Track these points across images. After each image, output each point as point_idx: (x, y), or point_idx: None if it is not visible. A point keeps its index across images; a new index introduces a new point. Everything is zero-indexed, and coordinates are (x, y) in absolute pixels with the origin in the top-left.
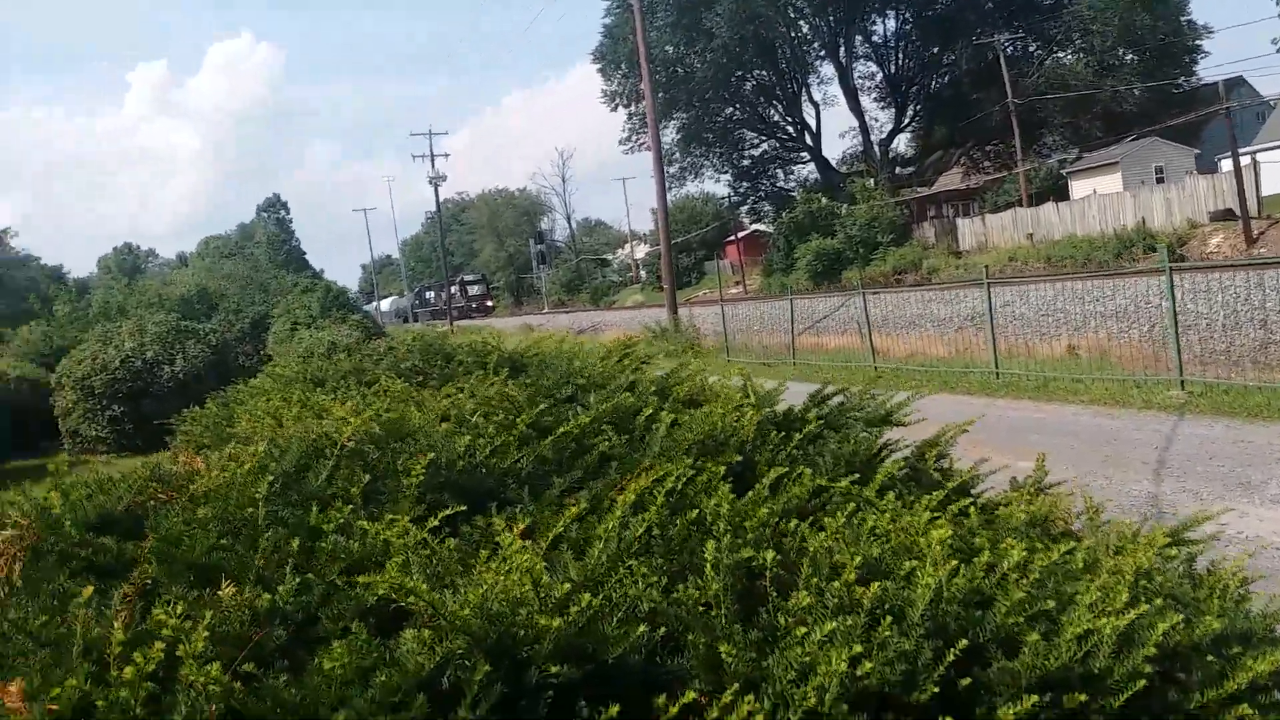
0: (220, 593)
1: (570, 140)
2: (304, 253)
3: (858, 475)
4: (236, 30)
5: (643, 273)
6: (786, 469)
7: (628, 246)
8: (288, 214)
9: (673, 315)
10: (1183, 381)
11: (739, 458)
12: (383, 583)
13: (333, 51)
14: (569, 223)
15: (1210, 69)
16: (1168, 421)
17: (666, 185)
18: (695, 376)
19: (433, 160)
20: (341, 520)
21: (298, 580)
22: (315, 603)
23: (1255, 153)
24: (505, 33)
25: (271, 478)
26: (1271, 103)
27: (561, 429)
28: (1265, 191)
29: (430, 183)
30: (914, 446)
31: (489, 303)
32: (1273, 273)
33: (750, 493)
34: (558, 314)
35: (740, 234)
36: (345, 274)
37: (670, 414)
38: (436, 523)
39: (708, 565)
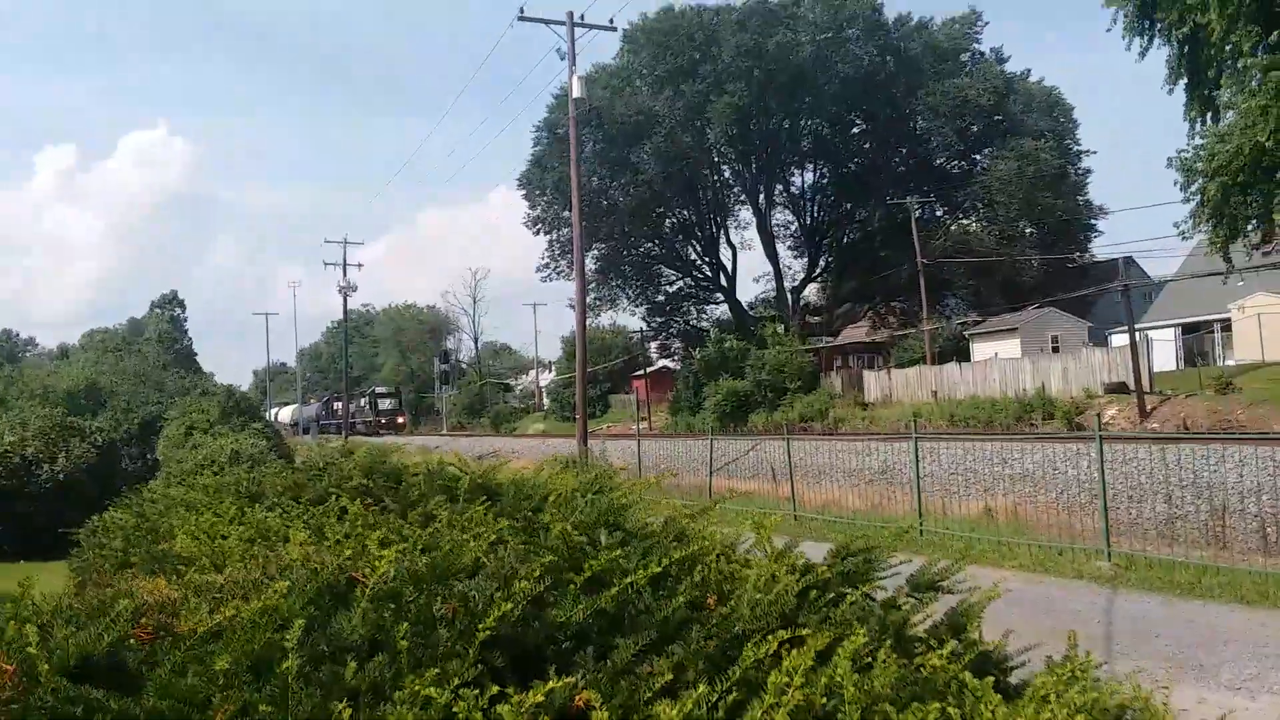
0: None
1: (483, 262)
2: (195, 353)
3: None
4: (153, 122)
5: (545, 401)
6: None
7: (532, 373)
8: (183, 312)
9: (583, 446)
10: (1109, 552)
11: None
12: None
13: (248, 153)
14: (475, 344)
15: (1104, 247)
16: (1101, 593)
17: (580, 319)
18: (708, 526)
19: (345, 269)
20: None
21: None
22: None
23: (1144, 330)
24: (428, 150)
25: (304, 621)
26: (1158, 282)
27: (626, 579)
28: (1155, 368)
29: (340, 291)
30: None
31: (400, 419)
32: (1186, 447)
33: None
34: (458, 437)
35: (648, 369)
36: (236, 377)
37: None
38: (496, 690)
39: None
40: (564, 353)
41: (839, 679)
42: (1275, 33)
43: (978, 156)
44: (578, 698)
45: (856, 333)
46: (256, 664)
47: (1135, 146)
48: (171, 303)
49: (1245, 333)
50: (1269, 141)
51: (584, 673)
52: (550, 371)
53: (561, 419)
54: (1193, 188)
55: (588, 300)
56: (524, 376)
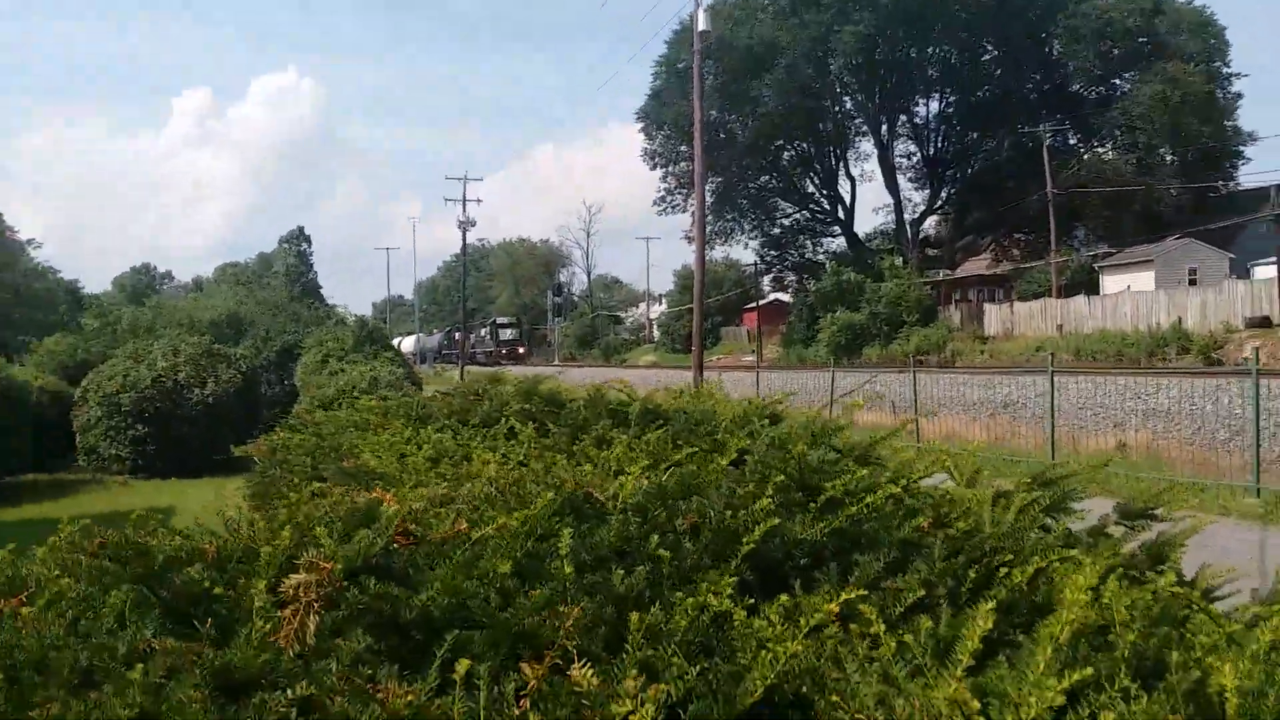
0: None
1: (596, 197)
2: (320, 286)
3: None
4: (283, 65)
5: (656, 333)
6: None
7: (642, 306)
8: (309, 247)
9: (699, 376)
10: (1259, 489)
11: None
12: None
13: (372, 94)
14: (588, 277)
15: (1251, 175)
16: (1253, 530)
17: (700, 247)
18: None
19: (464, 204)
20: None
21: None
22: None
23: None
24: (542, 86)
25: (570, 530)
26: None
27: (865, 499)
28: None
29: (459, 226)
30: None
31: (520, 349)
32: None
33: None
34: (569, 367)
35: (760, 302)
36: (356, 309)
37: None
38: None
39: None
40: (676, 286)
41: (1107, 600)
42: None
43: (1118, 81)
44: (826, 607)
45: (977, 266)
46: (520, 571)
47: None
48: (298, 238)
49: None
50: None
51: (829, 588)
52: (660, 304)
53: (671, 351)
54: None
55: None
56: (634, 309)
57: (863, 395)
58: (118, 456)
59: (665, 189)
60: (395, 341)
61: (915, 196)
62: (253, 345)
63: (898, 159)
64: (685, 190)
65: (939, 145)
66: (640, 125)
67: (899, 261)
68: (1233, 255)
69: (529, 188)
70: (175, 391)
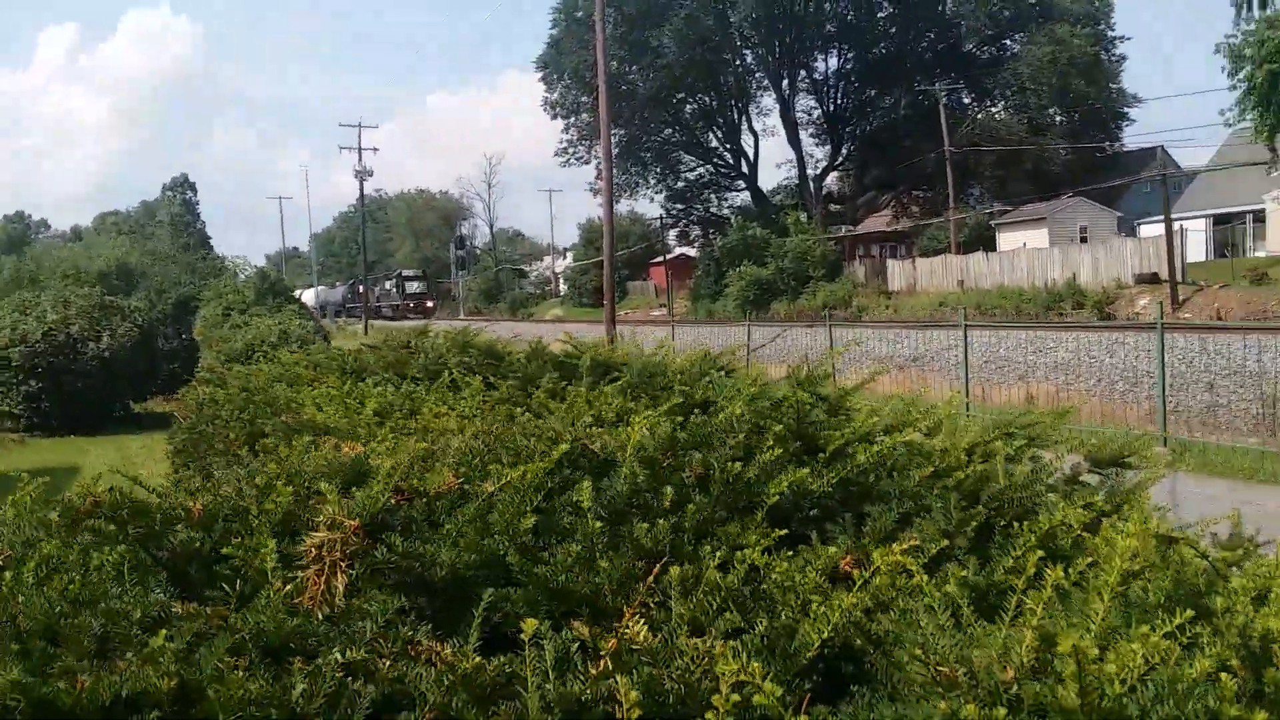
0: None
1: (494, 147)
2: (209, 237)
3: None
4: (154, 2)
5: (563, 286)
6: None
7: (546, 260)
8: (194, 195)
9: (612, 330)
10: (1165, 439)
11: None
12: None
13: (253, 34)
14: (491, 230)
15: (1135, 136)
16: (1167, 480)
17: (608, 199)
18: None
19: (360, 153)
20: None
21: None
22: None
23: (1175, 221)
24: (436, 31)
25: (589, 482)
26: (1191, 173)
27: (874, 447)
28: (1186, 259)
29: (355, 175)
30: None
31: (430, 303)
32: (1224, 337)
33: None
34: (476, 321)
35: (667, 256)
36: (251, 261)
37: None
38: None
39: None
40: (581, 239)
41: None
42: None
43: (1008, 42)
44: (843, 562)
45: (878, 222)
46: (536, 527)
47: (1169, 33)
48: (183, 186)
49: (1278, 223)
50: None
51: (844, 540)
52: (565, 258)
53: (578, 305)
54: (1240, 74)
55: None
56: (537, 263)
57: (769, 349)
58: (10, 413)
59: (567, 140)
60: (295, 294)
61: (817, 152)
62: (146, 298)
63: (799, 114)
64: (588, 141)
65: (838, 101)
66: (540, 75)
67: (803, 217)
68: (1120, 214)
69: (426, 138)
70: (68, 345)
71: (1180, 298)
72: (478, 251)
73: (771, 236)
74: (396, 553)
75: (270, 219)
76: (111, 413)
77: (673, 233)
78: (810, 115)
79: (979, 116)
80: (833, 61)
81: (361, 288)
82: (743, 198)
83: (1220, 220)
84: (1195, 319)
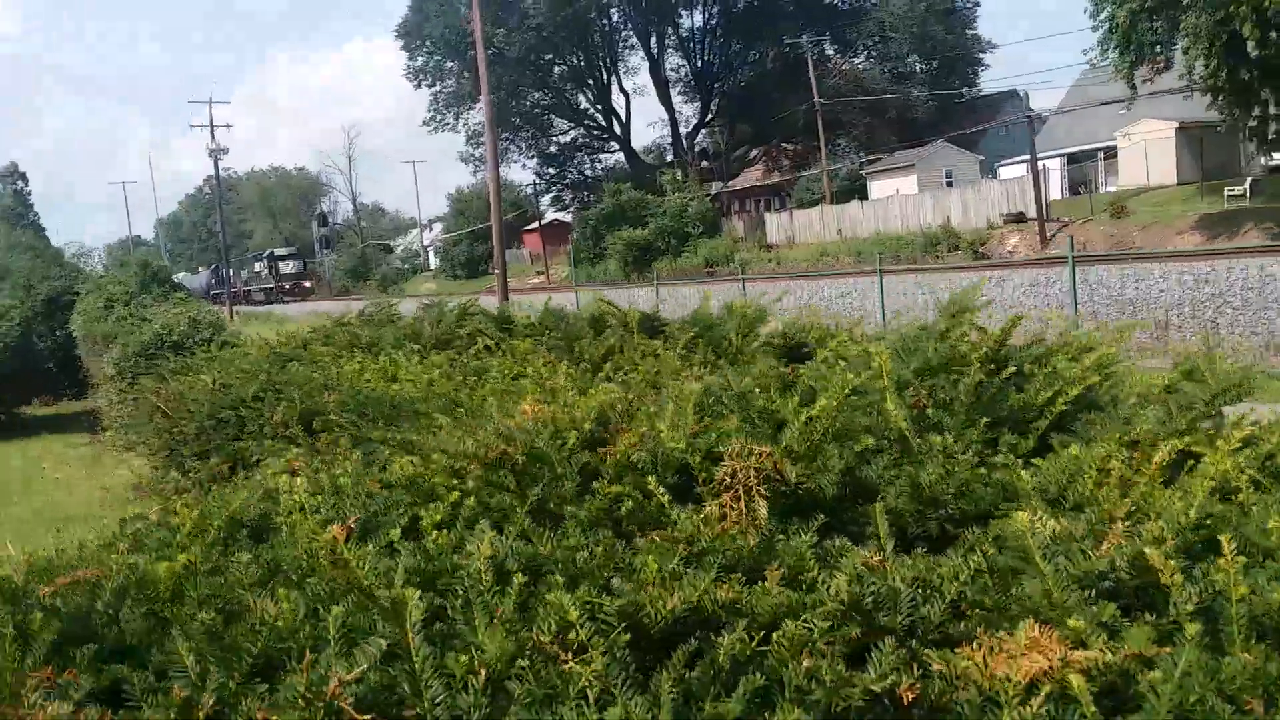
0: None
1: (342, 118)
2: (44, 228)
3: None
4: None
5: (433, 260)
6: None
7: (411, 233)
8: (25, 185)
9: (504, 303)
10: None
11: None
12: None
13: (76, 4)
14: (354, 205)
15: (991, 81)
16: None
17: (475, 168)
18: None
19: (213, 130)
20: None
21: None
22: None
23: (1036, 161)
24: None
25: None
26: (1050, 113)
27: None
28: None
29: (210, 155)
30: None
31: (307, 283)
32: (1101, 268)
33: None
34: (349, 301)
35: (541, 222)
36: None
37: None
38: None
39: None
40: (451, 209)
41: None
42: None
43: None
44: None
45: (752, 177)
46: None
47: None
48: (12, 175)
49: (1130, 159)
50: None
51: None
52: (432, 230)
53: (452, 277)
54: (1101, 15)
55: (477, 153)
56: (403, 237)
57: (674, 304)
58: None
59: (435, 108)
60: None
61: (686, 110)
62: (13, 294)
63: (669, 72)
64: (456, 108)
65: (705, 58)
66: (401, 42)
67: (679, 175)
68: (981, 156)
69: (274, 114)
70: None
71: (1047, 234)
72: (339, 229)
73: (648, 197)
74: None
75: (110, 207)
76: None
77: (546, 198)
78: (679, 73)
79: (844, 67)
80: (698, 17)
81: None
82: (616, 158)
83: (1074, 159)
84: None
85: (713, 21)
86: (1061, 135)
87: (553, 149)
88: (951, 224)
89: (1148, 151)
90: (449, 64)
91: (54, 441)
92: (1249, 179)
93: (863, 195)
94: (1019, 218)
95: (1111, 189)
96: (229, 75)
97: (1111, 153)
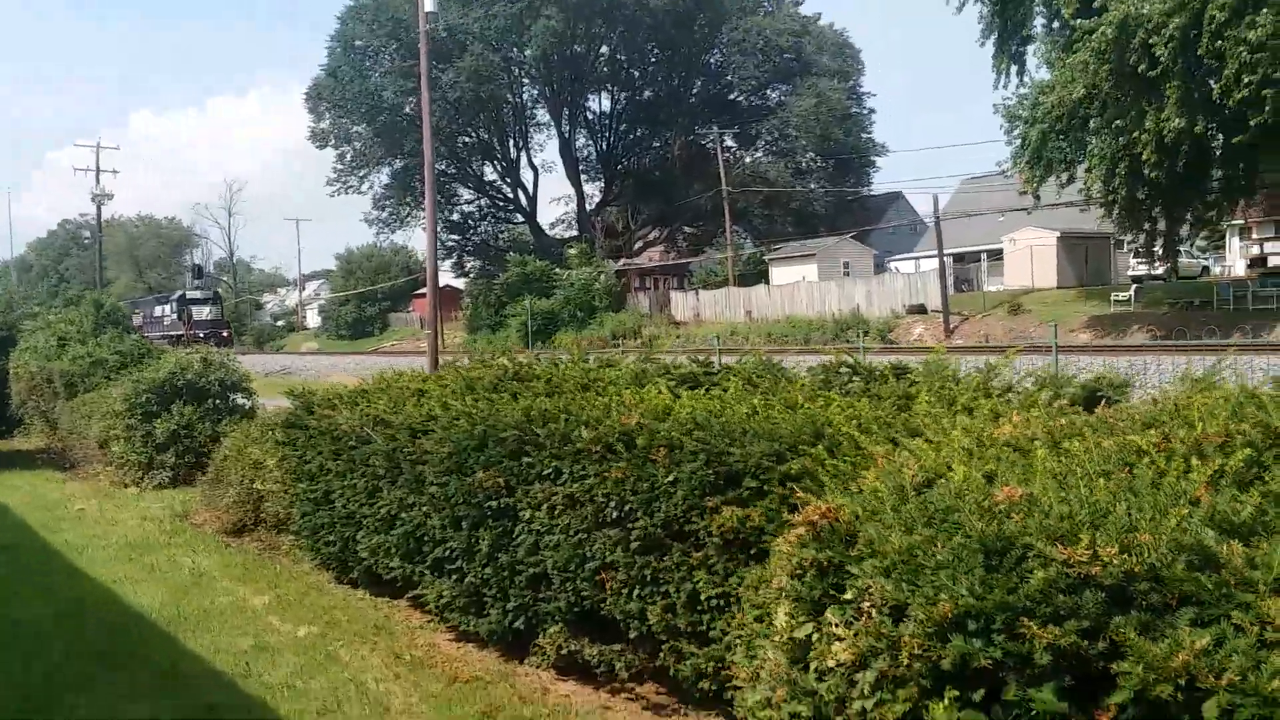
0: None
1: (209, 172)
2: None
3: None
4: None
5: (312, 318)
6: None
7: (281, 291)
8: None
9: (435, 364)
10: None
11: None
12: None
13: None
14: (231, 259)
15: (882, 183)
16: None
17: (379, 229)
18: None
19: (98, 175)
20: None
21: None
22: None
23: (917, 259)
24: (142, 52)
25: None
26: (926, 221)
27: None
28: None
29: (93, 199)
30: None
31: (224, 332)
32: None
33: None
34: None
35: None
36: None
37: None
38: None
39: None
40: (340, 269)
41: None
42: None
43: (770, 92)
44: None
45: (652, 256)
46: None
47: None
48: None
49: (1015, 261)
50: (1081, 95)
51: None
52: (303, 290)
53: (336, 337)
54: (1015, 132)
55: (382, 215)
56: (271, 294)
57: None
58: None
59: (340, 169)
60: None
61: (589, 188)
62: None
63: (578, 150)
64: (362, 170)
65: (610, 140)
66: (309, 105)
67: (586, 249)
68: (875, 250)
69: (134, 161)
70: None
71: (951, 325)
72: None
73: (554, 269)
74: None
75: None
76: None
77: (447, 263)
78: (583, 153)
79: (748, 160)
80: (605, 102)
81: (137, 316)
82: (520, 230)
83: (958, 259)
84: (968, 344)
85: (619, 107)
86: (947, 236)
87: (455, 216)
88: (861, 312)
89: (1033, 256)
90: (355, 128)
91: (31, 477)
92: (1134, 286)
93: (764, 280)
94: (920, 309)
95: (993, 288)
96: (87, 123)
97: (996, 255)
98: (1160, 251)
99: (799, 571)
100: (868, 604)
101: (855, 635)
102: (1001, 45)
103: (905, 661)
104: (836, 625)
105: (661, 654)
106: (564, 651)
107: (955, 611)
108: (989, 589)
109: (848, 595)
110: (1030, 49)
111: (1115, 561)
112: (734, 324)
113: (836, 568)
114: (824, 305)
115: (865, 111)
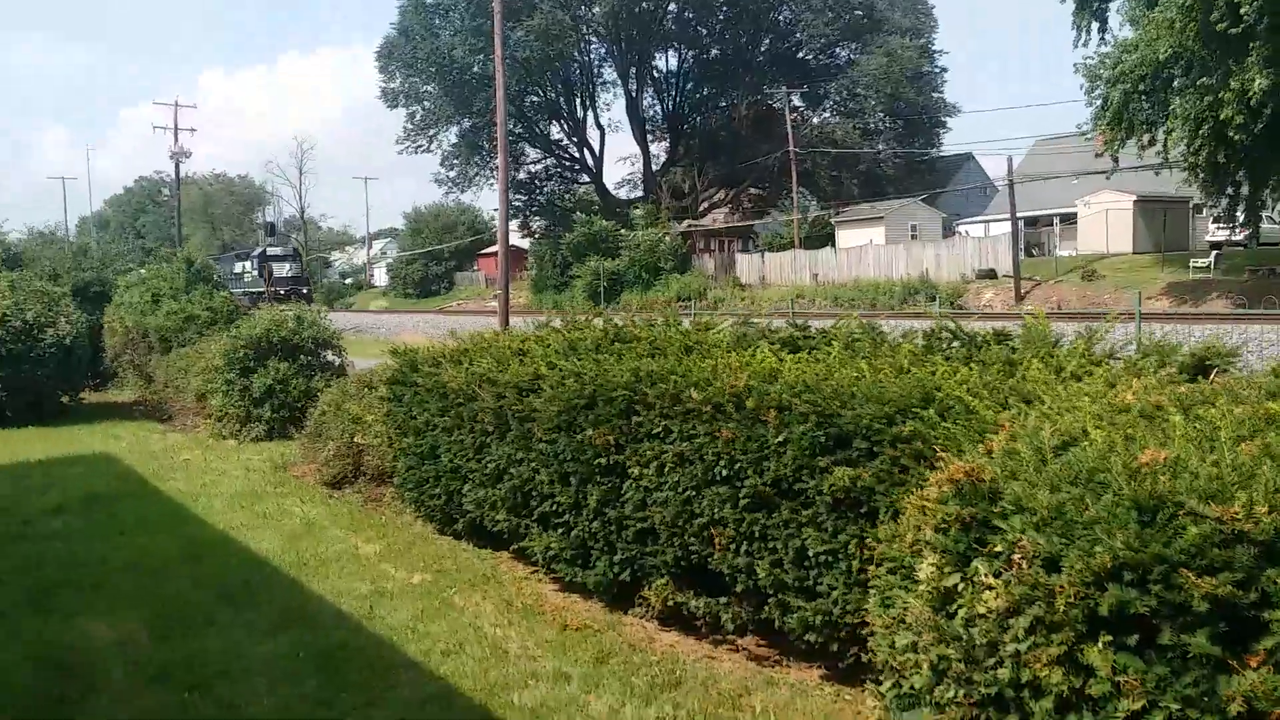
0: None
1: (290, 132)
2: None
3: None
4: None
5: (380, 277)
6: None
7: (349, 249)
8: None
9: (505, 326)
10: None
11: None
12: None
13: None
14: (302, 217)
15: (952, 145)
16: None
17: (448, 189)
18: None
19: (176, 133)
20: None
21: None
22: None
23: (988, 222)
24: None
25: None
26: (998, 184)
27: None
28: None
29: (171, 158)
30: None
31: (305, 289)
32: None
33: None
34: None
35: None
36: None
37: None
38: None
39: None
40: (407, 228)
41: None
42: None
43: (839, 50)
44: None
45: (718, 217)
46: None
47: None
48: None
49: (1090, 226)
50: (1166, 54)
51: None
52: (371, 249)
53: (403, 295)
54: (1095, 92)
55: (453, 174)
56: (339, 253)
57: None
58: None
59: (409, 129)
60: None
61: (655, 149)
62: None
63: (644, 110)
64: (431, 130)
65: (676, 100)
66: (379, 64)
67: (653, 209)
68: (944, 214)
69: (222, 120)
70: (25, 332)
71: (1022, 291)
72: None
73: (619, 229)
74: None
75: (17, 206)
76: (60, 404)
77: (513, 223)
78: (649, 114)
79: (814, 120)
80: (672, 60)
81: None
82: (585, 189)
83: (1029, 223)
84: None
85: (686, 66)
86: (1018, 200)
87: (522, 175)
88: (929, 276)
89: (1108, 220)
90: (426, 87)
91: (133, 428)
92: (1213, 252)
93: (831, 243)
94: (990, 274)
95: (1065, 253)
96: (155, 82)
97: (1068, 219)
98: (1242, 217)
99: (943, 526)
100: (1018, 555)
101: (1007, 585)
102: (1083, 2)
103: (1061, 608)
104: (986, 575)
105: (767, 607)
106: (670, 603)
107: (1113, 563)
108: (1144, 543)
109: (998, 547)
110: (1113, 6)
111: (1267, 520)
112: (800, 287)
113: (981, 522)
114: (891, 269)
115: (937, 70)
